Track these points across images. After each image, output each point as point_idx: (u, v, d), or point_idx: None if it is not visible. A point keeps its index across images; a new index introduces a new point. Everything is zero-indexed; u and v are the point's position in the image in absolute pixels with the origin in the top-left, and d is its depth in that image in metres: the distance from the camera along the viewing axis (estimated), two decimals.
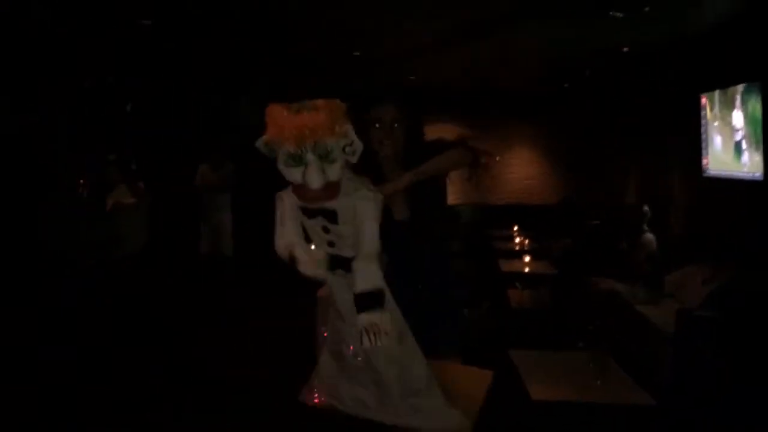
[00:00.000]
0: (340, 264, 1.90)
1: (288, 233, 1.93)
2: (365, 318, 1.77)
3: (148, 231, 5.96)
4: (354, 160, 1.81)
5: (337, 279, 1.93)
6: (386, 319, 1.79)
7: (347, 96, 1.87)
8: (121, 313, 5.16)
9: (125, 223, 5.71)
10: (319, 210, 1.82)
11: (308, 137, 1.72)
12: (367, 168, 1.99)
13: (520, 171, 10.43)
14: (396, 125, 2.51)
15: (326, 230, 1.85)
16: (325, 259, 1.87)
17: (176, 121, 8.40)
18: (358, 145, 1.80)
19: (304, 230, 1.91)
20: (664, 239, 5.96)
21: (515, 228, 9.19)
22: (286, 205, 1.93)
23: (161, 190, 6.78)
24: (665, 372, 4.10)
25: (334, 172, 1.78)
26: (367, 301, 1.80)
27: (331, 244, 1.87)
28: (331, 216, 1.83)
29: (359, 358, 1.95)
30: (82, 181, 6.08)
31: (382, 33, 6.28)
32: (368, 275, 1.83)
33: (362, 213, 1.85)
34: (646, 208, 5.80)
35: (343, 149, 1.77)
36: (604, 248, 6.09)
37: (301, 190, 1.79)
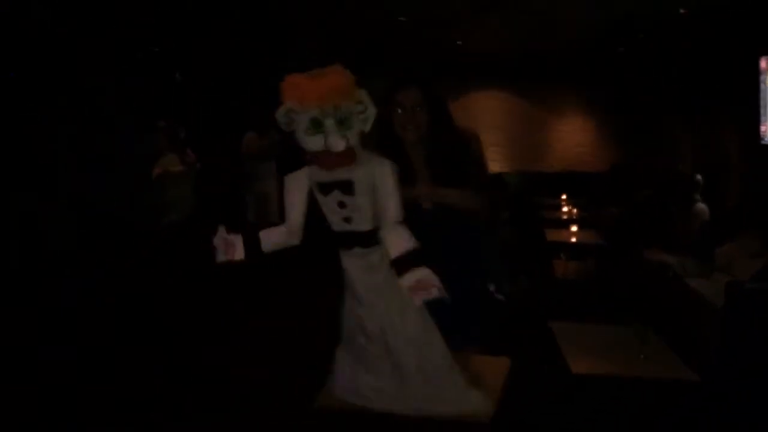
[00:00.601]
0: (357, 240, 1.89)
1: (289, 212, 1.93)
2: (410, 277, 1.77)
3: (194, 199, 6.04)
4: (367, 127, 1.81)
5: (353, 259, 1.93)
6: (430, 273, 1.78)
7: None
8: (167, 283, 5.27)
9: (172, 191, 5.80)
10: (334, 183, 1.82)
11: (331, 99, 1.73)
12: (391, 153, 1.97)
13: (571, 138, 10.20)
14: (419, 109, 2.50)
15: (342, 205, 1.84)
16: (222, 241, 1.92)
17: (224, 88, 8.46)
18: (372, 112, 1.81)
19: (319, 211, 1.91)
20: (718, 209, 5.76)
21: (563, 197, 9.04)
22: (293, 185, 1.94)
23: (209, 158, 6.85)
24: (714, 347, 4.00)
25: (353, 136, 1.78)
26: (406, 262, 1.80)
27: (347, 219, 1.86)
28: (348, 187, 1.82)
29: (375, 345, 1.95)
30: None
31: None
32: (400, 239, 1.83)
33: (381, 181, 1.85)
34: (698, 177, 5.61)
35: (358, 116, 1.79)
36: (655, 218, 5.93)
37: (321, 157, 1.79)
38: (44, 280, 5.25)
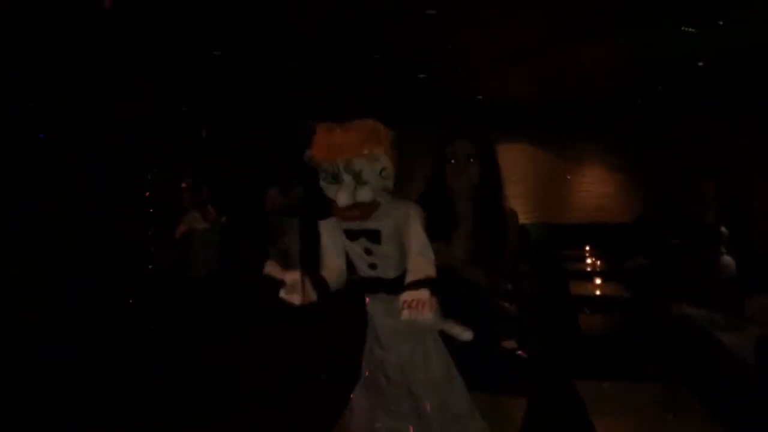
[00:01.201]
0: (382, 287, 1.91)
1: (329, 259, 1.96)
2: (408, 293, 1.73)
3: (218, 255, 6.09)
4: (389, 185, 1.83)
5: (378, 303, 1.94)
6: (429, 298, 1.72)
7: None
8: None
9: (198, 248, 5.86)
10: (360, 231, 1.85)
11: (337, 155, 1.77)
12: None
13: (593, 188, 10.17)
14: (471, 160, 2.53)
15: (368, 252, 1.87)
16: (299, 283, 1.85)
17: (247, 145, 8.59)
18: (391, 170, 1.82)
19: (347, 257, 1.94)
20: (745, 260, 5.66)
21: (587, 248, 8.95)
22: (323, 234, 1.97)
23: (232, 215, 6.93)
24: (748, 407, 3.88)
25: (364, 193, 1.80)
26: (415, 283, 1.76)
27: (372, 266, 1.89)
28: (374, 236, 1.85)
29: (396, 388, 1.93)
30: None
31: (447, 51, 6.26)
32: (421, 265, 1.80)
33: (406, 223, 1.86)
34: (723, 229, 5.53)
35: (380, 173, 1.80)
36: (681, 270, 5.84)
37: (334, 208, 1.83)
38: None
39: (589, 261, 8.16)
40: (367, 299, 1.96)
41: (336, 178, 1.79)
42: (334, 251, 1.94)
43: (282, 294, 1.84)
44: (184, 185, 6.08)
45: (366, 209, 1.83)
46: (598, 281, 6.72)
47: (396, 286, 1.85)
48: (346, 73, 7.16)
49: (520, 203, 9.93)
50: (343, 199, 1.77)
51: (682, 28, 4.75)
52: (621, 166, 9.97)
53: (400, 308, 1.72)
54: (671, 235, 7.31)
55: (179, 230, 5.84)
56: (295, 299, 1.83)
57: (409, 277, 1.79)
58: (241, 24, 5.55)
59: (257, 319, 5.92)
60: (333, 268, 1.95)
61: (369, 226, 1.84)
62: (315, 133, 1.81)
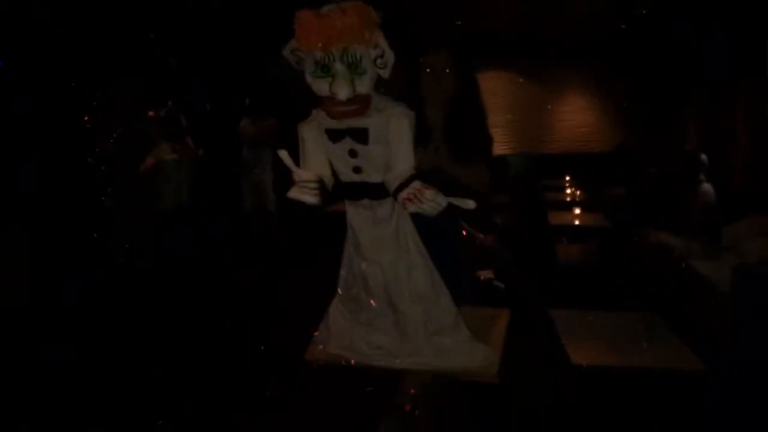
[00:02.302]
0: (366, 192, 1.78)
1: (313, 167, 1.81)
2: (404, 191, 1.67)
3: (188, 189, 5.92)
4: (386, 74, 1.68)
5: (360, 211, 1.82)
6: (423, 185, 1.67)
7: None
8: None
9: (165, 181, 5.68)
10: (346, 130, 1.70)
11: (336, 42, 1.60)
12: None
13: (574, 118, 10.02)
14: (447, 71, 2.42)
15: (353, 154, 1.73)
16: (315, 180, 1.74)
17: (220, 76, 8.29)
18: (390, 57, 1.67)
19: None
20: (724, 189, 5.61)
21: (567, 178, 8.88)
22: (307, 138, 1.82)
23: (210, 146, 6.74)
24: (723, 334, 3.88)
25: (364, 84, 1.65)
26: (406, 182, 1.69)
27: (357, 170, 1.75)
28: (361, 135, 1.70)
29: (377, 301, 1.84)
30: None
31: None
32: (407, 172, 1.71)
33: (397, 130, 1.72)
34: (703, 156, 5.45)
35: (375, 61, 1.65)
36: (660, 199, 5.79)
37: (328, 104, 1.67)
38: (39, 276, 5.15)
39: (569, 191, 8.11)
40: (348, 208, 1.84)
41: (328, 70, 1.63)
42: (321, 156, 1.80)
43: (293, 194, 1.73)
44: (151, 114, 5.85)
45: (365, 103, 1.68)
46: (577, 211, 6.66)
47: (381, 190, 1.74)
48: None
49: (499, 133, 9.78)
50: (344, 91, 1.60)
51: None
52: (602, 95, 9.81)
53: (403, 206, 1.68)
54: (650, 164, 7.25)
55: (147, 162, 5.64)
56: (309, 198, 1.72)
57: (397, 182, 1.70)
58: None
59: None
60: (323, 174, 1.83)
61: (355, 124, 1.69)
62: (298, 20, 1.64)
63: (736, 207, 5.24)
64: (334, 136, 1.72)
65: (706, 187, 5.31)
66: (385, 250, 1.80)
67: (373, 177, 1.74)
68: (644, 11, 6.51)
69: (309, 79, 1.65)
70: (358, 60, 1.61)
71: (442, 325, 1.84)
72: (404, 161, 1.71)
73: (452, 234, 2.52)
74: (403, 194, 1.66)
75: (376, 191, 1.75)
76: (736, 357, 3.34)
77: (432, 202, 1.65)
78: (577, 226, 6.23)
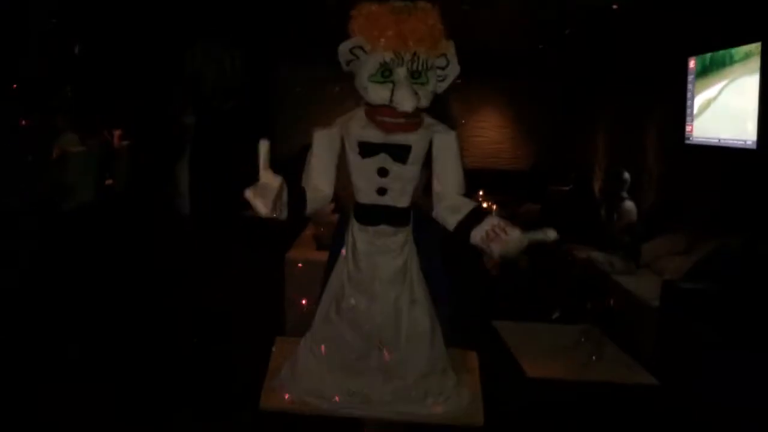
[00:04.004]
0: (387, 217, 1.62)
1: (317, 175, 1.64)
2: (481, 228, 1.57)
3: (98, 180, 5.51)
4: (442, 88, 1.53)
5: (372, 238, 1.63)
6: (502, 221, 1.59)
7: None
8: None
9: (73, 173, 5.24)
10: (384, 146, 1.54)
11: (410, 45, 1.46)
12: None
13: (489, 135, 10.14)
14: None
15: (383, 173, 1.57)
16: (279, 189, 1.50)
17: (133, 68, 7.81)
18: (454, 70, 1.53)
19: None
20: (639, 207, 5.80)
21: (480, 192, 8.93)
22: (319, 145, 1.62)
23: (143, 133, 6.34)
24: (650, 345, 3.96)
25: (426, 96, 1.51)
26: (473, 217, 1.60)
27: (382, 191, 1.60)
28: (401, 153, 1.55)
29: (364, 340, 1.65)
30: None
31: None
32: (463, 201, 1.63)
33: (445, 148, 1.60)
34: (626, 175, 5.61)
35: (435, 72, 1.53)
36: (576, 215, 5.90)
37: (382, 113, 1.51)
38: None
39: (484, 205, 8.15)
40: (356, 233, 1.66)
41: (388, 75, 1.45)
42: (325, 167, 1.64)
43: (248, 195, 1.46)
44: (54, 103, 5.40)
45: (418, 119, 1.54)
46: None
47: (404, 217, 1.61)
48: None
49: None
50: (409, 101, 1.45)
51: None
52: (517, 113, 10.00)
53: (485, 248, 1.55)
54: (564, 182, 7.43)
55: (53, 153, 5.18)
56: (261, 207, 1.45)
57: (460, 213, 1.58)
58: None
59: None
60: (317, 186, 1.63)
61: (397, 140, 1.53)
62: (369, 15, 1.44)
63: (651, 225, 5.41)
64: (369, 150, 1.56)
65: (629, 204, 5.46)
66: (389, 283, 1.65)
67: (399, 201, 1.60)
68: (567, 31, 6.66)
69: (364, 83, 1.49)
70: (425, 68, 1.46)
71: (432, 369, 1.71)
72: (456, 186, 1.56)
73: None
74: (484, 233, 1.54)
75: (399, 218, 1.61)
76: (664, 365, 3.39)
77: (517, 241, 1.51)
78: None
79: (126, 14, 6.90)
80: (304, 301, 2.88)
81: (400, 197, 1.60)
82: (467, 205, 1.57)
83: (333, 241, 1.88)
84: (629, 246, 5.12)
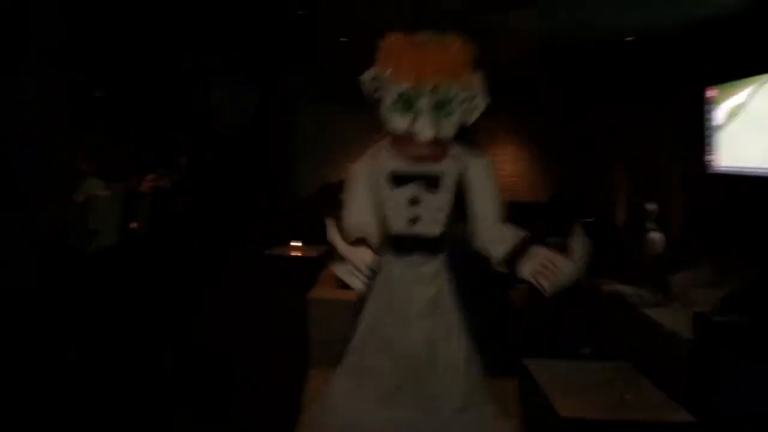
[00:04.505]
0: (420, 246, 1.63)
1: (357, 211, 1.66)
2: (529, 261, 1.53)
3: (123, 223, 5.56)
4: (471, 119, 1.53)
5: (406, 268, 1.63)
6: (547, 250, 1.57)
7: None
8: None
9: (97, 217, 5.28)
10: (415, 176, 1.55)
11: (430, 77, 1.46)
12: None
13: (506, 167, 10.11)
14: None
15: (414, 202, 1.59)
16: (368, 263, 1.52)
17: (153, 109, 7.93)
18: (482, 102, 1.53)
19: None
20: (668, 237, 5.71)
21: None
22: (359, 178, 1.62)
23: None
24: (683, 379, 3.86)
25: (448, 127, 1.54)
26: (519, 249, 1.57)
27: (414, 221, 1.62)
28: (432, 182, 1.57)
29: (402, 371, 1.61)
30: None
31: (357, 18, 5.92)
32: (507, 231, 1.63)
33: (480, 179, 1.62)
34: (652, 206, 5.54)
35: (462, 103, 1.48)
36: (602, 248, 5.81)
37: (404, 143, 1.54)
38: None
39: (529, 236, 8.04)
40: (388, 265, 1.67)
41: (411, 106, 1.46)
42: (369, 202, 1.65)
43: (342, 273, 1.53)
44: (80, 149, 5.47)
45: (442, 149, 1.56)
46: None
47: (436, 245, 1.61)
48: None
49: None
50: (428, 131, 1.48)
51: None
52: (534, 144, 9.98)
53: (535, 282, 1.52)
54: (587, 214, 7.34)
55: (78, 198, 5.24)
56: (358, 284, 1.54)
57: (505, 245, 1.55)
58: None
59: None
60: (362, 223, 1.63)
61: (427, 169, 1.56)
62: (389, 46, 1.44)
63: (678, 256, 5.32)
64: (400, 180, 1.58)
65: (655, 235, 5.38)
66: (423, 313, 1.64)
67: (431, 229, 1.61)
68: (579, 63, 6.67)
69: (387, 111, 1.51)
70: (448, 100, 1.47)
71: (471, 400, 1.68)
72: (495, 212, 1.55)
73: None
74: (533, 267, 1.51)
75: (432, 246, 1.62)
76: (699, 401, 3.29)
77: (569, 274, 1.48)
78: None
79: (144, 54, 7.03)
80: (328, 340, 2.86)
81: (432, 225, 1.61)
82: (513, 236, 1.56)
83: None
84: (657, 278, 5.02)
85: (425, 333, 1.63)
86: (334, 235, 1.52)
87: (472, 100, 1.51)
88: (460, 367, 1.65)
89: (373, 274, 1.71)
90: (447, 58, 1.44)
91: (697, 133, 5.45)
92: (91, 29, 6.29)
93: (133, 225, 5.89)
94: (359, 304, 1.80)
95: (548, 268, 1.47)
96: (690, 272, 5.01)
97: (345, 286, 4.19)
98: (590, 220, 7.05)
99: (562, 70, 7.53)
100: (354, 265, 1.51)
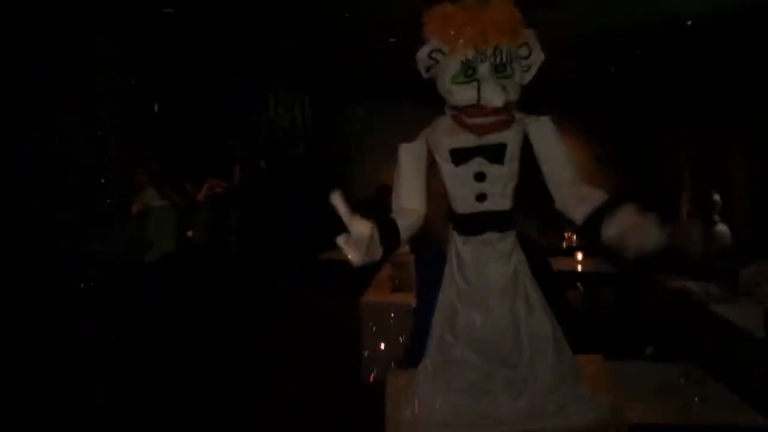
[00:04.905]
0: (491, 223, 1.54)
1: (406, 190, 1.57)
2: (618, 222, 1.48)
3: (179, 233, 5.65)
4: (528, 78, 1.46)
5: (478, 247, 1.55)
6: (633, 208, 1.51)
7: None
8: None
9: (153, 228, 5.38)
10: (478, 149, 1.47)
11: (491, 39, 1.40)
12: None
13: None
14: None
15: (480, 177, 1.50)
16: (366, 238, 1.46)
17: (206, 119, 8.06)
18: (538, 57, 1.47)
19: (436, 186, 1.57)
20: (733, 231, 5.45)
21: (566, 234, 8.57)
22: (406, 161, 1.57)
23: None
24: (756, 380, 3.66)
25: (514, 88, 1.46)
26: (602, 211, 1.51)
27: (481, 197, 1.53)
28: (497, 153, 1.48)
29: (488, 358, 1.55)
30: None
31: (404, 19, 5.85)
32: (589, 192, 1.55)
33: (546, 141, 1.53)
34: (716, 196, 5.29)
35: (519, 62, 1.46)
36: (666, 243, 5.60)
37: (471, 114, 1.45)
38: None
39: (565, 235, 7.84)
40: (460, 246, 1.57)
41: (471, 73, 1.41)
42: (416, 184, 1.57)
43: (340, 243, 1.45)
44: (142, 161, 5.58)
45: (510, 115, 1.48)
46: (579, 257, 6.40)
47: (508, 220, 1.53)
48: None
49: None
50: (498, 96, 1.40)
51: None
52: (594, 139, 9.69)
53: (618, 241, 1.45)
54: (650, 207, 7.10)
55: (135, 209, 5.33)
56: (355, 256, 1.46)
57: (588, 203, 1.49)
58: None
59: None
60: (412, 208, 1.58)
61: (491, 140, 1.47)
62: (443, 15, 1.40)
63: (747, 249, 5.08)
64: (462, 156, 1.49)
65: (722, 228, 5.15)
66: (502, 293, 1.56)
67: (501, 204, 1.52)
68: (638, 52, 6.41)
69: (447, 86, 1.45)
70: (508, 61, 1.41)
71: (562, 379, 1.60)
72: (570, 172, 1.47)
73: None
74: (623, 226, 1.45)
75: (503, 221, 1.53)
76: None
77: (657, 234, 1.41)
78: (581, 272, 5.99)
79: (197, 64, 7.14)
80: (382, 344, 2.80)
81: (501, 200, 1.53)
82: (596, 195, 1.50)
83: (424, 267, 1.75)
84: (726, 272, 4.79)
85: (508, 313, 1.55)
86: (337, 202, 1.45)
87: (527, 58, 1.44)
88: (546, 344, 1.58)
89: (441, 260, 1.66)
90: (503, 18, 1.40)
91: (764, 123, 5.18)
92: (151, 41, 6.43)
93: (189, 233, 5.99)
94: (419, 298, 1.77)
95: (637, 224, 1.41)
96: (761, 265, 4.78)
97: (398, 289, 4.20)
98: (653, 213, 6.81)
99: (624, 65, 7.27)
100: (354, 238, 1.45)
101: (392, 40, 6.59)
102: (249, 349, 4.80)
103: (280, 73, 8.00)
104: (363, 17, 5.95)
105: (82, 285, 4.61)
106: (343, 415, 3.55)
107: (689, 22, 5.19)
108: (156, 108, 7.84)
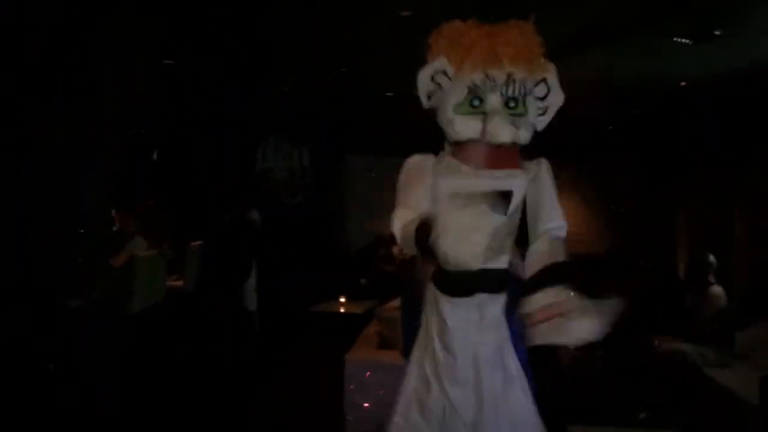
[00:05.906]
0: (484, 283, 1.36)
1: (407, 216, 1.38)
2: (540, 297, 1.32)
3: (164, 284, 5.55)
4: (541, 124, 1.31)
5: (465, 312, 1.38)
6: (571, 297, 1.33)
7: None
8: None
9: (140, 277, 5.28)
10: (480, 194, 1.29)
11: (506, 63, 1.24)
12: None
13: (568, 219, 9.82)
14: None
15: (480, 228, 1.33)
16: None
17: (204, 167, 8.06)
18: (557, 99, 1.31)
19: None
20: (728, 293, 5.35)
21: None
22: (416, 168, 1.40)
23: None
24: None
25: (526, 128, 1.30)
26: (544, 278, 1.35)
27: (479, 251, 1.31)
28: (501, 201, 1.32)
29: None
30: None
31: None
32: (553, 251, 1.39)
33: (540, 179, 1.39)
34: (711, 258, 5.21)
35: (535, 100, 1.28)
36: (662, 303, 5.50)
37: (471, 152, 1.30)
38: None
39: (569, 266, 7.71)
40: (444, 308, 1.39)
41: (479, 104, 1.25)
42: (423, 196, 1.41)
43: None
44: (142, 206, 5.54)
45: (517, 155, 1.33)
46: None
47: (502, 281, 1.36)
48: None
49: None
50: (504, 130, 1.24)
51: (674, 40, 4.43)
52: (589, 196, 9.68)
53: (530, 322, 1.25)
54: (646, 268, 7.03)
55: (121, 257, 5.24)
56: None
57: (536, 266, 1.30)
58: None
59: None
60: (415, 208, 1.42)
61: (495, 185, 1.31)
62: (455, 32, 1.24)
63: (748, 310, 4.97)
64: (462, 201, 1.30)
65: (717, 289, 5.06)
66: (491, 364, 1.40)
67: (499, 261, 1.36)
68: (635, 111, 6.45)
69: (449, 114, 1.28)
70: (523, 94, 1.24)
71: None
72: (547, 218, 1.39)
73: None
74: (536, 308, 1.31)
75: (497, 282, 1.37)
76: None
77: (575, 338, 1.32)
78: None
79: (194, 116, 7.17)
80: (366, 405, 2.71)
81: (498, 257, 1.35)
82: (546, 258, 1.30)
83: (408, 325, 1.65)
84: (721, 335, 4.68)
85: (486, 390, 1.38)
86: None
87: (543, 98, 1.28)
88: (525, 421, 1.43)
89: (417, 322, 1.50)
90: (520, 41, 1.22)
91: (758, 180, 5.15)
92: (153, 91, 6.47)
93: (174, 280, 5.90)
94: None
95: (548, 318, 1.23)
96: (758, 329, 4.67)
97: (384, 346, 4.09)
98: (650, 275, 6.72)
99: (628, 119, 7.28)
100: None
101: (389, 94, 6.64)
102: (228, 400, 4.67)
103: (279, 123, 8.04)
104: (360, 71, 5.99)
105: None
106: None
107: (683, 84, 5.20)
108: (155, 156, 7.87)
